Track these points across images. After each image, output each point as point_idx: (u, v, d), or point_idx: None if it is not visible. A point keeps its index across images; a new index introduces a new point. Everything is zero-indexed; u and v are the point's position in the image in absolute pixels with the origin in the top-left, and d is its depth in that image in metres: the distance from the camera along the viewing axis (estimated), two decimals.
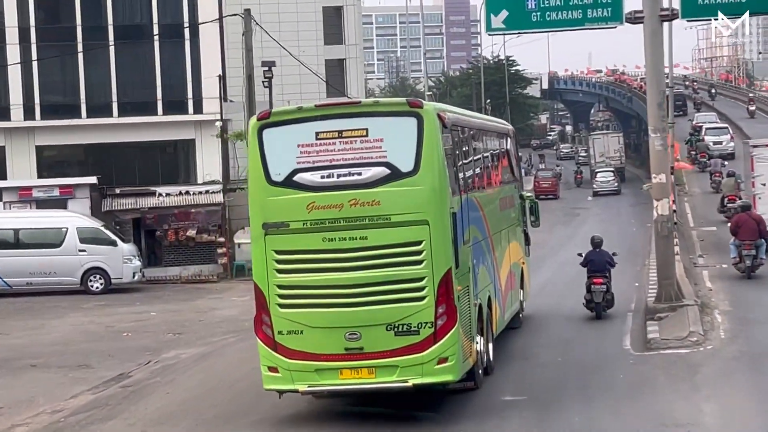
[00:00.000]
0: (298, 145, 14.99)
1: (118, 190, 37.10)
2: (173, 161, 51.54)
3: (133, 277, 33.93)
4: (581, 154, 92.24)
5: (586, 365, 18.30)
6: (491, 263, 18.84)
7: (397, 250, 14.69)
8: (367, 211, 14.68)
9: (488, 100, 78.19)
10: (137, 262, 34.05)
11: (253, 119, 15.32)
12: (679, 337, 19.16)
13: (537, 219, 25.08)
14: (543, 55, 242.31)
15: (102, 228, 33.94)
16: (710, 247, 33.07)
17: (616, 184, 67.15)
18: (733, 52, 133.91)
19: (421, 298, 14.72)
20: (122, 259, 33.74)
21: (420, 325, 14.73)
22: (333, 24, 69.19)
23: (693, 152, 56.52)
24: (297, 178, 14.94)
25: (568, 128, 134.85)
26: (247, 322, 27.97)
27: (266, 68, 37.12)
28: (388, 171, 14.81)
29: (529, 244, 24.58)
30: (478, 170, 18.46)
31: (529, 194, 26.01)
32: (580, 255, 24.53)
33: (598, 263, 23.85)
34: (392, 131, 14.96)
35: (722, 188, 40.62)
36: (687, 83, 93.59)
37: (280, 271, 14.95)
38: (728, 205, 38.17)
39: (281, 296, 14.96)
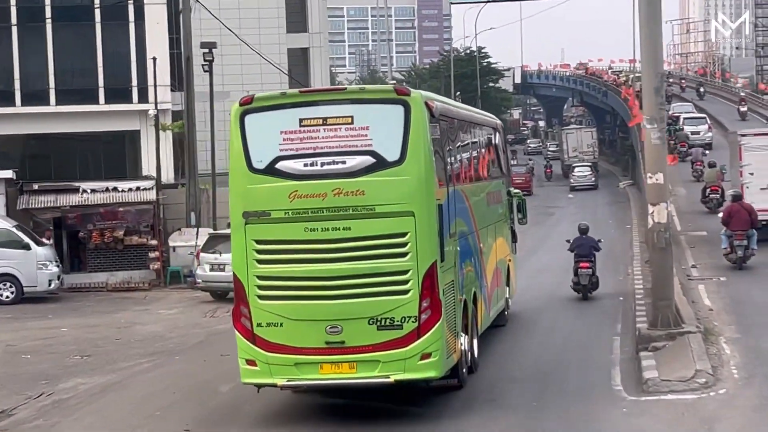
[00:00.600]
0: (281, 132, 14.95)
1: (36, 186, 32.60)
2: (118, 154, 47.58)
3: (50, 285, 29.88)
4: (550, 149, 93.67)
5: (569, 415, 15.27)
6: (477, 258, 18.88)
7: (381, 241, 14.67)
8: (351, 200, 14.66)
9: (458, 93, 74.09)
10: (54, 268, 29.92)
11: (235, 105, 15.22)
12: (683, 378, 15.83)
13: (524, 216, 25.34)
14: (515, 51, 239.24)
15: (14, 229, 29.81)
16: (703, 255, 29.30)
17: (593, 179, 68.96)
18: (708, 48, 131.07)
19: (405, 292, 14.69)
20: (36, 264, 29.39)
21: (403, 320, 14.71)
22: (296, 12, 67.24)
23: (672, 142, 55.67)
24: (279, 165, 14.90)
25: (541, 123, 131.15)
26: (171, 342, 24.08)
27: (206, 50, 32.70)
28: (373, 160, 14.76)
29: (515, 241, 24.84)
30: (465, 163, 18.44)
31: (516, 191, 26.35)
32: (568, 241, 26.77)
33: (584, 248, 26.00)
34: (378, 119, 14.92)
35: (704, 179, 40.91)
36: (673, 80, 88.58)
37: (260, 262, 14.95)
38: (710, 195, 38.93)
39: (261, 287, 14.95)
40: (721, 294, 24.26)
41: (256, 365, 14.95)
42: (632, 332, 20.30)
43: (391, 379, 14.71)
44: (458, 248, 16.61)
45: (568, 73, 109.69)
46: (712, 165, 41.50)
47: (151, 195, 34.24)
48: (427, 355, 14.72)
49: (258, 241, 14.88)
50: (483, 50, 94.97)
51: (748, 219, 27.01)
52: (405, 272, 14.65)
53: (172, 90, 51.13)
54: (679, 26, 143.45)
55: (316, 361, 14.79)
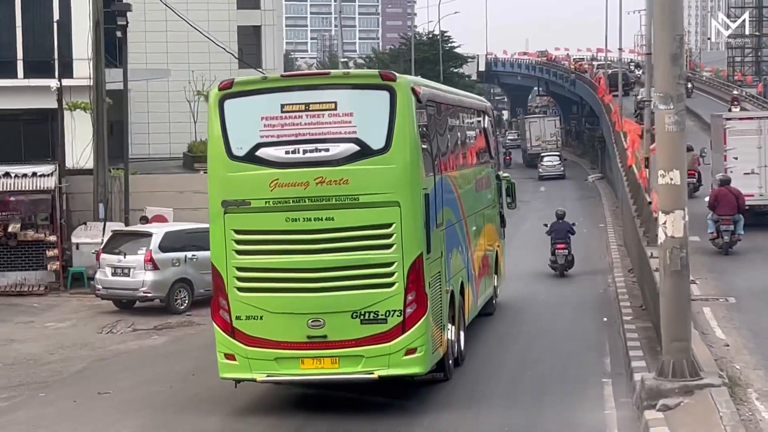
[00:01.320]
0: (262, 118, 14.75)
1: None
2: (41, 135, 42.10)
3: None
4: (509, 137, 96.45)
5: None
6: (465, 247, 18.80)
7: (365, 232, 14.56)
8: (335, 190, 14.52)
9: (418, 76, 68.44)
10: None
11: (214, 89, 15.11)
12: None
13: (513, 201, 25.22)
14: (481, 39, 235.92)
15: None
16: (700, 266, 24.48)
17: (562, 168, 70.32)
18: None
19: (390, 285, 14.58)
20: None
21: (388, 313, 14.54)
22: None
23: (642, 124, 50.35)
24: (260, 153, 14.72)
25: (505, 114, 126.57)
26: (46, 369, 20.46)
27: (119, 14, 27.25)
28: (357, 148, 14.61)
29: (504, 226, 24.80)
30: (453, 149, 18.33)
31: (506, 174, 26.16)
32: (545, 225, 30.06)
33: (560, 232, 29.38)
34: (363, 105, 14.78)
35: None
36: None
37: (239, 252, 14.79)
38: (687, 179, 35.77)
39: (240, 279, 14.80)
40: (734, 321, 19.86)
41: (234, 360, 14.84)
42: (627, 372, 16.62)
43: (375, 375, 14.69)
44: (445, 238, 16.55)
45: (532, 61, 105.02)
46: (688, 149, 41.51)
47: (51, 182, 28.59)
48: (413, 351, 14.63)
49: (237, 231, 14.78)
50: (446, 33, 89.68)
51: (735, 203, 26.71)
52: (390, 264, 14.57)
53: (107, 66, 45.38)
54: (648, 16, 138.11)
55: (297, 355, 14.70)
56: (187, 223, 27.68)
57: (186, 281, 25.22)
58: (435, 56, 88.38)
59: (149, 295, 25.08)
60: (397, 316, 14.48)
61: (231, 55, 50.67)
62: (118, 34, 30.82)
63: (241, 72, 61.66)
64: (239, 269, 14.71)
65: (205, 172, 43.96)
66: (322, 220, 14.45)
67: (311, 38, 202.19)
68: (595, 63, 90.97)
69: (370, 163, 14.52)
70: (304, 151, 14.55)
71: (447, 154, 17.55)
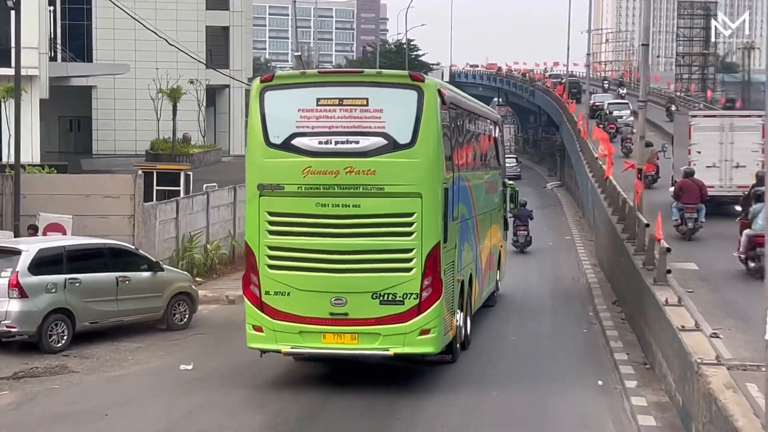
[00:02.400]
0: (299, 110, 15.10)
1: None
2: None
3: None
4: None
5: None
6: (475, 242, 19.23)
7: (388, 220, 14.96)
8: (362, 179, 14.90)
9: None
10: None
11: (256, 81, 15.65)
12: None
13: (516, 206, 26.20)
14: (445, 53, 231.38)
15: None
16: (713, 307, 16.74)
17: (518, 169, 71.22)
18: (625, 57, 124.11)
19: (409, 269, 14.95)
20: None
21: (405, 296, 14.83)
22: None
23: (601, 125, 51.69)
24: (295, 142, 15.13)
25: None
26: None
27: None
28: (385, 141, 15.09)
29: (507, 228, 25.29)
30: (470, 151, 18.78)
31: (510, 182, 25.89)
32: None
33: (522, 217, 33.44)
34: (392, 103, 15.16)
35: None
36: (627, 91, 74.22)
37: (271, 233, 15.26)
38: (645, 173, 42.06)
39: (271, 257, 15.24)
40: None
41: (262, 331, 15.20)
42: None
43: (391, 352, 15.07)
44: (459, 231, 17.10)
45: (492, 73, 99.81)
46: (648, 144, 40.69)
47: None
48: (426, 331, 14.94)
49: (271, 213, 15.18)
50: (412, 42, 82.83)
51: (699, 193, 26.38)
52: (409, 251, 14.93)
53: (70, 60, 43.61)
54: (598, 36, 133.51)
55: (320, 330, 15.05)
56: (72, 237, 21.23)
57: (65, 312, 18.32)
58: (401, 64, 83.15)
59: (13, 330, 17.84)
60: (414, 298, 14.79)
61: (196, 60, 44.04)
62: (9, 3, 23.15)
63: (208, 72, 54.75)
64: (271, 248, 15.15)
65: (143, 171, 35.48)
66: (349, 206, 14.80)
67: (291, 50, 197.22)
68: (547, 73, 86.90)
69: (396, 156, 14.90)
70: (336, 143, 14.83)
71: (464, 154, 18.18)
